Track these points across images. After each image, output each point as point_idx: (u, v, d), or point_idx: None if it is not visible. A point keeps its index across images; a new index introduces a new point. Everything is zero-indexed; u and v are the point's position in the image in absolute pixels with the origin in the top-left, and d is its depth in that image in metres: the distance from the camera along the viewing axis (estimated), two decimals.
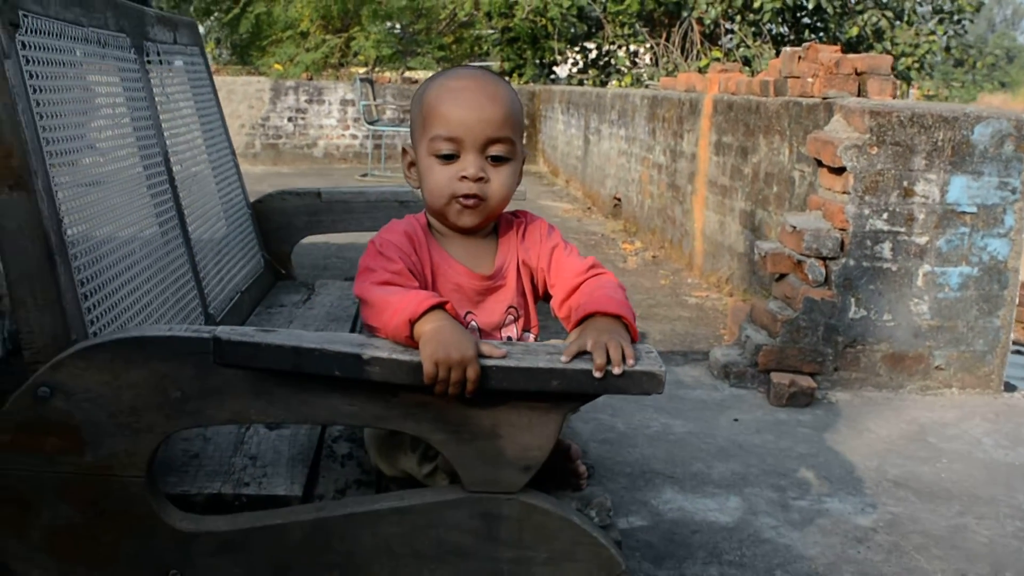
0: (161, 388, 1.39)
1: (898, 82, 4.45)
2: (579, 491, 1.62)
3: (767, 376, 3.74)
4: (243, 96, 12.15)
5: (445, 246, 1.66)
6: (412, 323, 1.38)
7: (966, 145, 3.62)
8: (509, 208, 1.73)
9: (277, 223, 2.96)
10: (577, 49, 15.20)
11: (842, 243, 3.69)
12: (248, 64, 16.78)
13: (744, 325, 3.99)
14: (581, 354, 1.40)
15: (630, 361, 1.38)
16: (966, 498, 2.87)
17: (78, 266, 1.50)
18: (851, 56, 4.31)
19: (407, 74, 15.12)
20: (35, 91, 1.47)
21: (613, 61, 14.67)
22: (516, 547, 1.47)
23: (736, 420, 3.46)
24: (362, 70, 14.91)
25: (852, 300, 3.71)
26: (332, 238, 6.29)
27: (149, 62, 2.21)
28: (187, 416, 1.41)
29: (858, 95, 4.24)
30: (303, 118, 12.50)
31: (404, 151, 1.70)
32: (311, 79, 13.17)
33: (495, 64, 15.53)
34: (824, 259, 3.71)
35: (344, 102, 12.50)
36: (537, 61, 15.06)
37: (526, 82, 14.57)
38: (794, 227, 3.77)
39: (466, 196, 1.59)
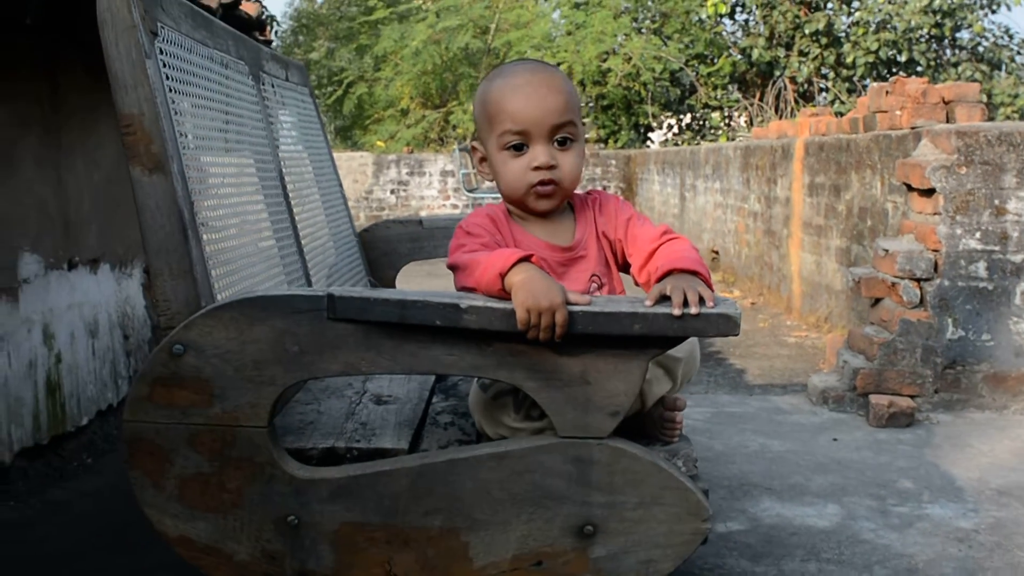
0: (280, 343, 1.54)
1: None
2: (667, 445, 1.71)
3: (866, 399, 3.74)
4: (347, 171, 12.63)
5: (525, 226, 1.80)
6: (503, 276, 1.51)
7: None
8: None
9: (382, 250, 3.13)
10: (671, 113, 15.39)
11: (935, 264, 3.70)
12: (351, 143, 17.41)
13: (841, 351, 4.01)
14: (663, 299, 1.51)
15: (709, 303, 1.48)
16: None
17: (207, 241, 1.68)
18: (938, 86, 4.35)
19: None
20: (170, 91, 1.67)
21: (707, 123, 14.79)
22: (607, 491, 1.56)
23: (835, 440, 3.48)
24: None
25: (949, 321, 3.71)
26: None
27: (265, 90, 2.43)
28: (304, 368, 1.55)
29: (947, 123, 4.27)
30: (405, 190, 12.91)
31: (474, 148, 1.85)
32: (411, 152, 13.62)
33: (590, 133, 15.84)
34: (918, 280, 3.72)
35: (444, 173, 12.87)
36: (631, 127, 15.28)
37: (622, 146, 14.79)
38: (887, 251, 3.80)
39: (542, 183, 1.74)
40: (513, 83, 1.74)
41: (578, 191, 1.86)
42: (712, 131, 14.54)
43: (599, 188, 1.91)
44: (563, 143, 1.74)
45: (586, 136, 15.48)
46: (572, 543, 1.58)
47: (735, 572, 2.41)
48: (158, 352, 1.55)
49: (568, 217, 1.83)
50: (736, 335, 1.47)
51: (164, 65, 1.67)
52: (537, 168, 1.72)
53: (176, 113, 1.67)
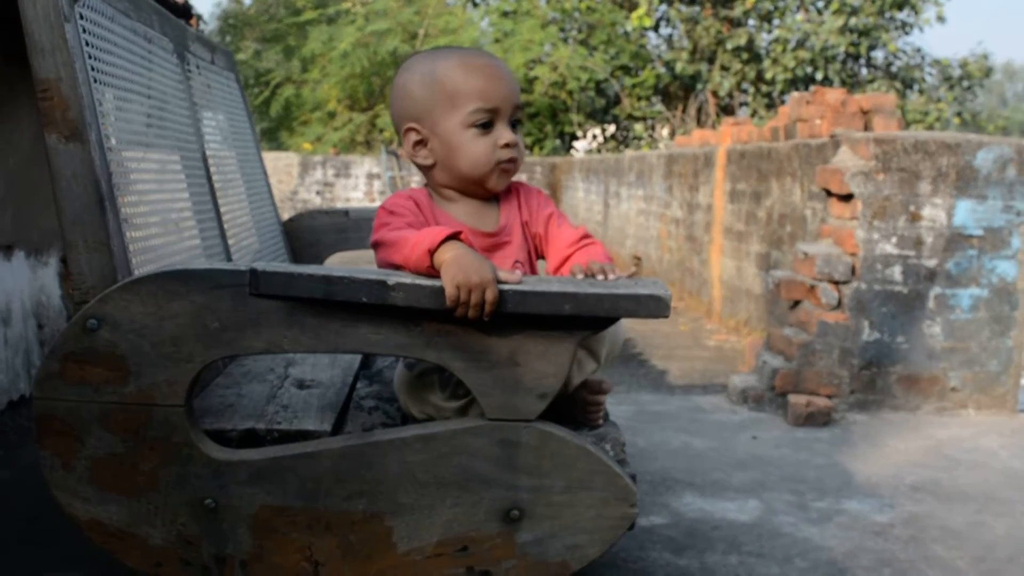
0: (200, 319, 1.49)
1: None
2: (594, 429, 1.70)
3: (784, 399, 3.80)
4: (272, 171, 12.45)
5: (448, 209, 1.78)
6: (432, 253, 1.48)
7: (969, 170, 3.72)
8: None
9: (307, 240, 3.08)
10: (595, 122, 15.53)
11: (853, 267, 3.77)
12: (277, 144, 17.19)
13: (760, 352, 4.06)
14: (590, 276, 1.52)
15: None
16: (983, 499, 2.91)
17: (125, 216, 1.62)
18: (857, 96, 4.46)
19: None
20: (90, 57, 1.61)
21: (631, 133, 14.96)
22: (535, 475, 1.54)
23: (754, 438, 3.52)
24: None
25: (866, 323, 3.78)
26: None
27: (189, 71, 2.37)
28: (224, 345, 1.51)
29: (865, 132, 4.37)
30: (330, 192, 12.78)
31: (408, 130, 1.78)
32: (338, 154, 13.49)
33: None
34: (836, 283, 3.80)
35: (370, 175, 12.78)
36: (557, 135, 15.36)
37: (547, 154, 14.85)
38: (806, 254, 3.87)
39: (509, 161, 1.74)
40: (475, 63, 1.74)
41: None
42: (635, 141, 14.70)
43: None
44: (516, 124, 1.77)
45: None
46: (498, 528, 1.56)
47: (658, 564, 2.41)
48: (71, 326, 1.49)
49: (492, 203, 1.82)
50: (667, 316, 1.47)
51: (84, 31, 1.61)
52: (506, 146, 1.73)
53: (95, 80, 1.61)
